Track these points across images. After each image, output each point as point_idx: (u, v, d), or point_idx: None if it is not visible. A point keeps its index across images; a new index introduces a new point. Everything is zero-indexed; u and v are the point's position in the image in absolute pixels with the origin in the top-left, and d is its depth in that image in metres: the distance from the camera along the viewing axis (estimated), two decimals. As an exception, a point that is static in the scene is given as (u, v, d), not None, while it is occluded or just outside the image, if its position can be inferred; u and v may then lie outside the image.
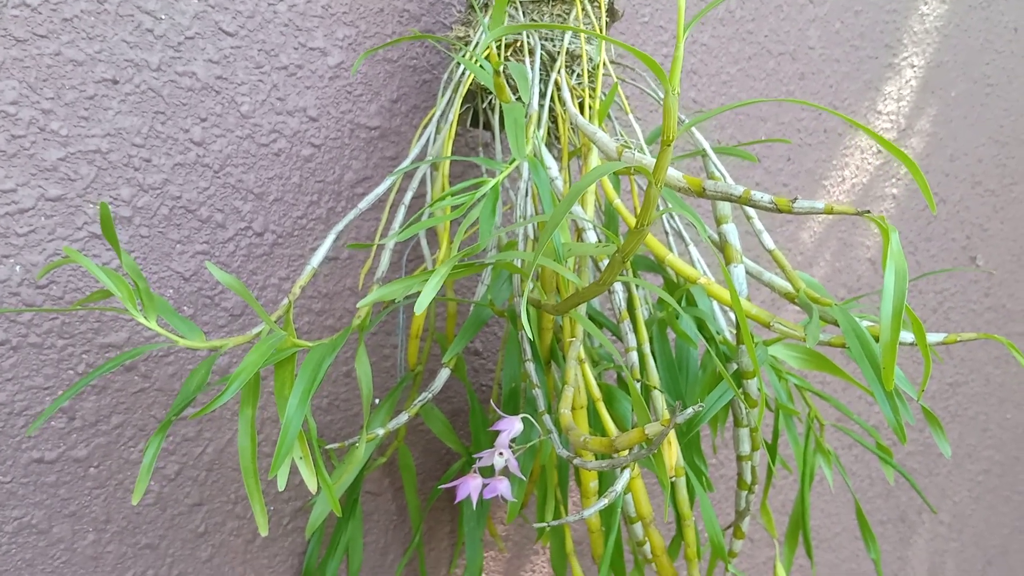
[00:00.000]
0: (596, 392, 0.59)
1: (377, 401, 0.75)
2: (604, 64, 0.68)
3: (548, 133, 0.69)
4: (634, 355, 0.59)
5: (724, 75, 0.97)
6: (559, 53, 0.67)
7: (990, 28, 1.23)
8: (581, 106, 0.68)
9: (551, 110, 0.68)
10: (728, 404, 0.64)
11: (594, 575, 0.91)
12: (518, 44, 0.68)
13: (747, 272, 0.64)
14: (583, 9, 0.69)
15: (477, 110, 0.74)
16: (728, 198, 0.48)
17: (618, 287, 0.60)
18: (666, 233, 0.72)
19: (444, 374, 0.63)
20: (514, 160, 0.55)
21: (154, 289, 0.64)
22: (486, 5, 0.70)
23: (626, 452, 0.47)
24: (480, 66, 0.61)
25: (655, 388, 0.60)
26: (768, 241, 0.61)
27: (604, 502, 0.50)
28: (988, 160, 1.26)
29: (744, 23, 0.98)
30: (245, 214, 0.68)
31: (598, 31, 0.65)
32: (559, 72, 0.66)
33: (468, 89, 0.71)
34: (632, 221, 0.60)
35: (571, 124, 0.67)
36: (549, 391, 0.63)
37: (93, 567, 0.65)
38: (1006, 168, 1.29)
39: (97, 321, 0.62)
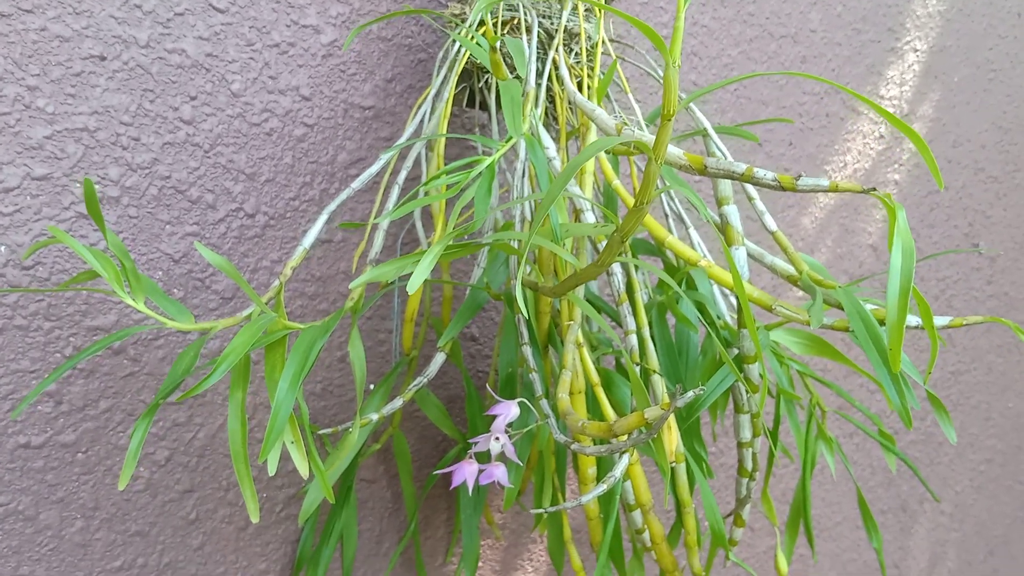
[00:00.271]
0: (594, 377, 0.58)
1: (372, 386, 0.74)
2: (603, 42, 0.67)
3: (546, 113, 0.68)
4: (633, 339, 0.58)
5: (725, 57, 0.96)
6: (557, 31, 0.65)
7: (993, 13, 1.21)
8: (579, 85, 0.66)
9: (548, 90, 0.67)
10: (728, 390, 0.63)
11: (592, 563, 0.90)
12: (515, 22, 0.67)
13: (749, 255, 0.63)
14: (582, -14, 0.68)
15: (473, 90, 0.72)
16: (730, 176, 0.47)
17: (617, 269, 0.59)
18: (665, 216, 0.71)
19: (439, 359, 0.62)
20: (511, 138, 0.54)
21: (143, 271, 0.63)
22: (483, -18, 0.68)
23: (625, 437, 0.46)
24: (476, 43, 0.60)
25: (655, 372, 0.59)
26: (770, 222, 0.60)
27: (602, 488, 0.49)
28: (991, 146, 1.25)
29: (745, 5, 0.96)
30: (236, 195, 0.66)
31: (596, 5, 0.64)
32: (557, 50, 0.64)
33: (464, 68, 0.70)
34: (631, 202, 0.59)
35: (569, 103, 0.66)
36: (547, 376, 0.62)
37: (81, 554, 0.63)
38: (1009, 154, 1.28)
39: (84, 303, 0.61)
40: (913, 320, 0.51)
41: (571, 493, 0.91)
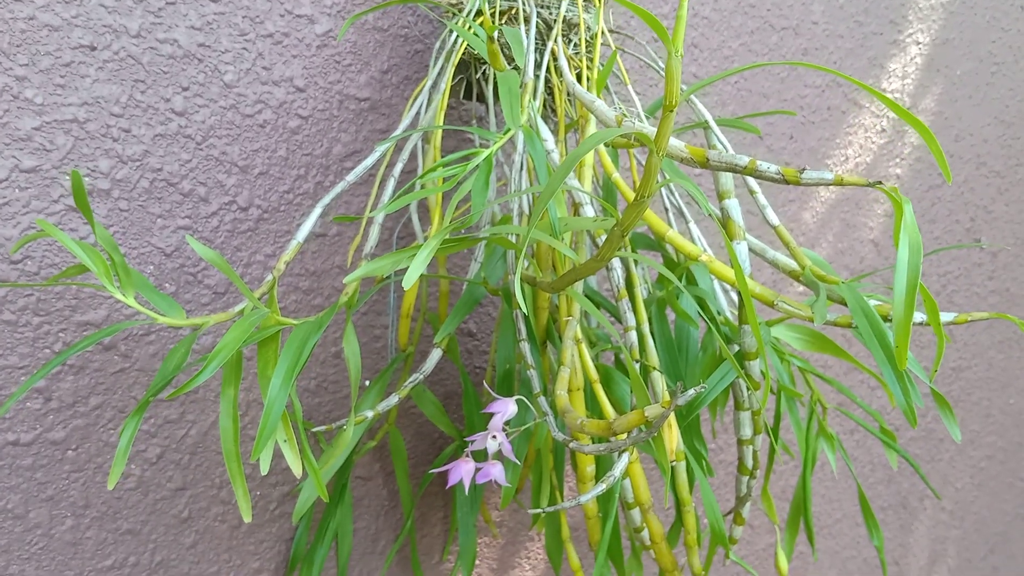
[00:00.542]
0: (593, 373, 0.57)
1: (367, 383, 0.73)
2: (603, 33, 0.66)
3: (544, 105, 0.67)
4: (633, 335, 0.57)
5: (726, 49, 0.95)
6: (556, 21, 0.64)
7: (996, 5, 1.20)
8: (578, 77, 0.65)
9: (547, 81, 0.66)
10: (729, 386, 0.62)
11: (590, 561, 0.89)
12: (513, 12, 0.66)
13: (750, 249, 0.62)
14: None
15: (471, 81, 0.71)
16: (733, 169, 0.45)
17: (616, 264, 0.58)
18: (665, 210, 0.70)
19: (436, 355, 0.61)
20: (508, 130, 0.53)
21: (134, 265, 0.62)
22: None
23: (624, 435, 0.45)
24: (474, 33, 0.59)
25: (654, 369, 0.58)
26: (772, 217, 0.59)
27: (602, 487, 0.48)
28: (993, 140, 1.24)
29: (747, -4, 0.95)
30: (229, 188, 0.65)
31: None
32: (556, 41, 0.63)
33: (461, 59, 0.69)
34: (631, 195, 0.58)
35: (568, 95, 0.65)
36: (545, 372, 0.61)
37: (72, 553, 0.62)
38: (1011, 149, 1.27)
39: (74, 298, 0.60)
40: (918, 317, 0.50)
41: (569, 491, 0.90)
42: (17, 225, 0.58)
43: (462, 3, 0.68)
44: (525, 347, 0.57)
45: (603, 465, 0.63)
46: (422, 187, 0.61)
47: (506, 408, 0.51)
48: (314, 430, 0.61)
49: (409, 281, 0.44)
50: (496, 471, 0.52)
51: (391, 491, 0.78)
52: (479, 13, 0.65)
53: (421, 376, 0.60)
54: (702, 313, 0.63)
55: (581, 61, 0.65)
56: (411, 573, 0.81)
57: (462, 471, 0.52)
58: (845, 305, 0.52)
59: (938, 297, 1.23)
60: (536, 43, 0.64)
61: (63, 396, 0.60)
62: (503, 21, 0.66)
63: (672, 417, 0.58)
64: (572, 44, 0.67)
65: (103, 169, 0.60)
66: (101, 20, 0.59)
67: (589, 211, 0.58)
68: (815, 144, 1.05)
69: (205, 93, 0.63)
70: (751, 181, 0.62)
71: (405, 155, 0.64)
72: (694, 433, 0.65)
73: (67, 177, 0.59)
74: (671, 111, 0.38)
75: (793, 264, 0.57)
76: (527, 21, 0.64)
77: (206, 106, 0.64)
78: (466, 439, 0.53)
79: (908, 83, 1.13)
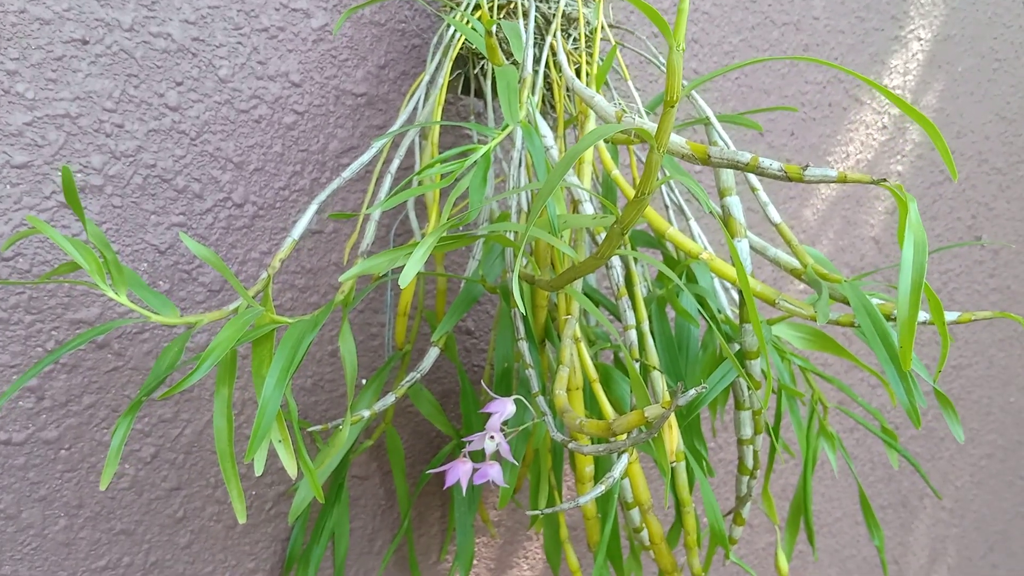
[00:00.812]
0: (592, 373, 0.56)
1: (363, 381, 0.72)
2: (602, 28, 0.65)
3: (543, 101, 0.66)
4: (632, 334, 0.56)
5: (727, 45, 0.94)
6: (555, 15, 0.63)
7: (998, 2, 1.19)
8: (578, 72, 0.65)
9: (546, 76, 0.65)
10: (729, 386, 0.61)
11: (589, 561, 0.89)
12: (511, 6, 0.65)
13: (751, 247, 0.61)
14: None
15: (469, 76, 0.70)
16: (735, 165, 0.45)
17: (616, 262, 0.57)
18: (665, 207, 0.69)
19: (433, 353, 0.60)
20: (507, 126, 0.52)
21: (128, 262, 0.61)
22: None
23: (624, 436, 0.44)
24: (471, 28, 0.58)
25: (654, 368, 0.57)
26: (774, 214, 0.58)
27: (600, 489, 0.48)
28: (995, 137, 1.23)
29: (747, -8, 0.94)
30: (224, 184, 0.64)
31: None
32: (555, 35, 0.62)
33: (459, 54, 0.68)
34: (631, 192, 0.57)
35: (567, 90, 0.64)
36: (543, 371, 0.61)
37: (65, 554, 0.62)
38: (1013, 146, 1.26)
39: (67, 296, 0.59)
40: (921, 316, 0.50)
41: (568, 490, 0.89)
42: (9, 222, 0.57)
43: (460, -3, 0.68)
44: (523, 346, 0.57)
45: (602, 465, 0.62)
46: (419, 184, 0.61)
47: (504, 408, 0.51)
48: (310, 429, 0.61)
49: (406, 279, 0.43)
50: (494, 472, 0.51)
51: (388, 490, 0.78)
52: (477, 7, 0.64)
53: (418, 375, 0.59)
54: (702, 311, 0.62)
55: (580, 56, 0.65)
56: (408, 573, 0.80)
57: (459, 472, 0.52)
58: (847, 304, 0.51)
59: (939, 295, 1.22)
60: (535, 38, 0.63)
61: (56, 395, 0.60)
62: (501, 15, 0.65)
63: (672, 417, 0.57)
64: (571, 39, 0.66)
65: (96, 165, 0.59)
66: (93, 13, 0.58)
67: (588, 208, 0.57)
68: (816, 141, 1.05)
69: (199, 88, 0.63)
70: (752, 178, 0.61)
71: (402, 151, 0.64)
72: (694, 433, 0.64)
73: (59, 173, 0.58)
74: (672, 106, 0.37)
75: (795, 262, 0.56)
76: (526, 15, 0.63)
77: (200, 101, 0.63)
78: (463, 439, 0.52)
79: (909, 79, 1.12)
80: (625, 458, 0.50)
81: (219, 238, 0.65)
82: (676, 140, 0.46)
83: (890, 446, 0.72)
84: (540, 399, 0.54)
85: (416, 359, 0.72)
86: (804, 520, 0.74)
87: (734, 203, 0.57)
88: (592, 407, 0.58)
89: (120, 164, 0.60)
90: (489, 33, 0.52)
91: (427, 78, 0.65)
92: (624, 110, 0.53)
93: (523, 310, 0.48)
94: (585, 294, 0.66)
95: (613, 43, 0.62)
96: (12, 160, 0.56)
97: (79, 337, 0.50)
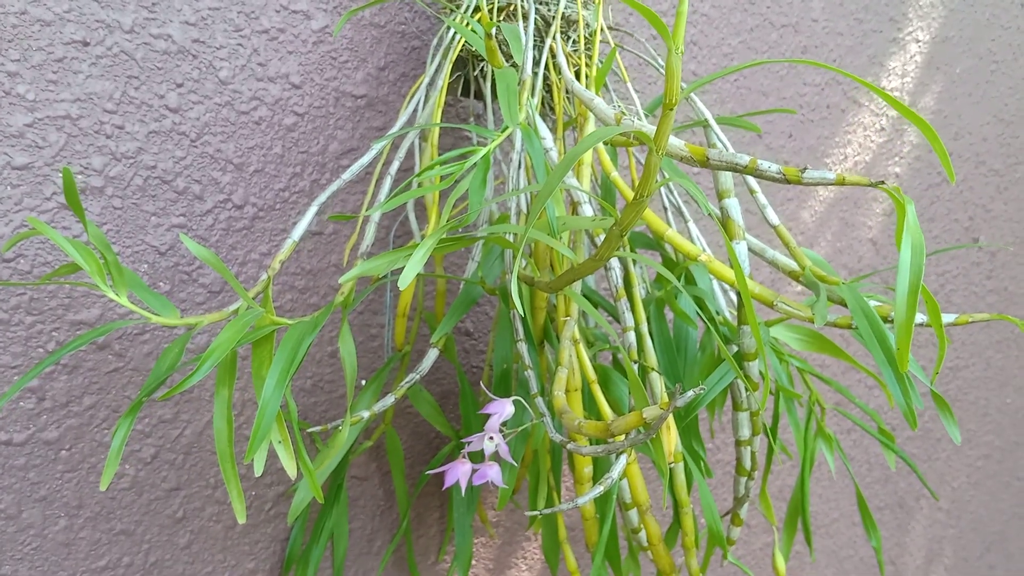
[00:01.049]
0: (591, 374, 0.56)
1: (363, 382, 0.72)
2: (601, 30, 0.65)
3: (542, 103, 0.66)
4: (631, 335, 0.57)
5: (725, 47, 0.94)
6: (554, 18, 0.64)
7: (996, 3, 1.19)
8: (577, 74, 0.65)
9: (545, 78, 0.65)
10: (727, 387, 0.61)
11: (587, 562, 0.89)
12: (511, 8, 0.65)
13: (750, 249, 0.62)
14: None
15: (468, 78, 0.71)
16: (733, 168, 0.45)
17: (615, 264, 0.58)
18: (664, 209, 0.69)
19: (432, 354, 0.60)
20: (506, 128, 0.53)
21: (128, 264, 0.61)
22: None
23: (623, 437, 0.44)
24: (471, 30, 0.58)
25: (653, 370, 0.57)
26: (772, 216, 0.59)
27: (599, 490, 0.48)
28: (992, 139, 1.24)
29: (746, -6, 0.95)
30: (224, 185, 0.65)
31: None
32: (554, 38, 0.62)
33: (459, 56, 0.68)
34: (630, 194, 0.57)
35: (566, 92, 0.64)
36: (542, 373, 0.61)
37: (65, 554, 0.62)
38: (1010, 148, 1.26)
39: (68, 297, 0.59)
40: (919, 318, 0.50)
41: (566, 491, 0.89)
42: (10, 223, 0.57)
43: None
44: (522, 347, 0.57)
45: (600, 465, 0.62)
46: (419, 185, 0.61)
47: (503, 409, 0.51)
48: (310, 430, 0.61)
49: (405, 280, 0.44)
50: (492, 473, 0.52)
51: (387, 491, 0.78)
52: (477, 9, 0.64)
53: (418, 376, 0.59)
54: (701, 313, 0.62)
55: (580, 58, 0.65)
56: (407, 573, 0.80)
57: (458, 472, 0.52)
58: (844, 306, 0.51)
59: (936, 296, 1.22)
60: (534, 40, 0.63)
61: (56, 396, 0.60)
62: (501, 17, 0.66)
63: (670, 418, 0.58)
64: (571, 41, 0.66)
65: (96, 166, 0.59)
66: (94, 15, 0.58)
67: (587, 210, 0.58)
68: (814, 143, 1.05)
69: (200, 89, 0.63)
70: (751, 180, 0.61)
71: (402, 153, 0.64)
72: (692, 434, 0.65)
73: (60, 174, 0.58)
74: (671, 109, 0.37)
75: (793, 264, 0.57)
76: (525, 18, 0.63)
77: (200, 103, 0.63)
78: (462, 440, 0.52)
79: (907, 81, 1.12)
80: (623, 459, 0.50)
81: (219, 239, 0.65)
82: (675, 142, 0.47)
83: (887, 447, 0.72)
84: (539, 400, 0.54)
85: (415, 360, 0.72)
86: (801, 521, 0.74)
87: (732, 205, 0.57)
88: (591, 408, 0.58)
89: (121, 165, 0.60)
90: (489, 35, 0.52)
91: (427, 80, 0.65)
92: (623, 112, 0.53)
93: (522, 311, 0.49)
94: (584, 296, 0.66)
95: (612, 45, 0.62)
96: (13, 161, 0.57)
97: (80, 338, 0.50)
